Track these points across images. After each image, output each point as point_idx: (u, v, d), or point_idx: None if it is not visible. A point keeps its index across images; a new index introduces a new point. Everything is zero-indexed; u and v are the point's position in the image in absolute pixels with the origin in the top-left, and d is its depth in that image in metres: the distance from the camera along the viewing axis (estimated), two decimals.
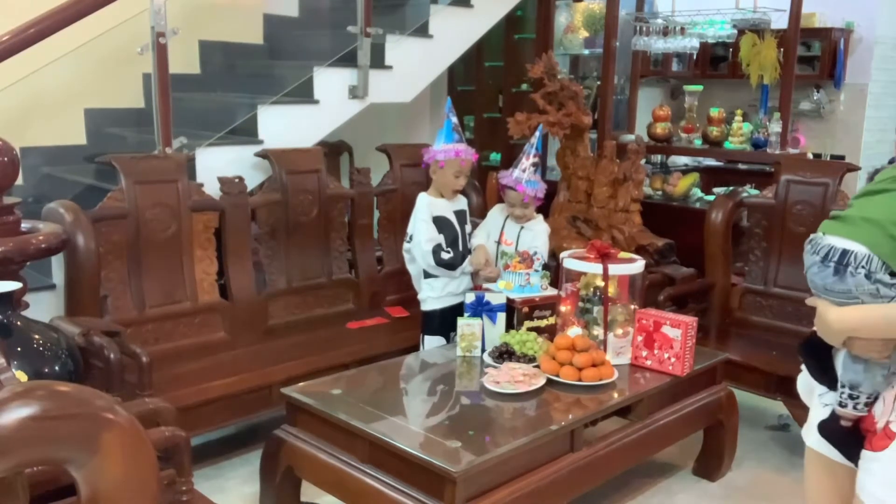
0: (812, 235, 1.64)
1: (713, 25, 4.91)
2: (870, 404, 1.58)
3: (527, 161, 3.26)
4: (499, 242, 3.33)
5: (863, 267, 1.51)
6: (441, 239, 3.18)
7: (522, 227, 3.30)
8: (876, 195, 1.59)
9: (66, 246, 2.62)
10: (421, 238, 3.15)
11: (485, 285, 3.17)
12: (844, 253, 1.53)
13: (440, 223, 3.21)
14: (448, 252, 3.17)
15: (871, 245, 1.52)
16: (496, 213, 3.42)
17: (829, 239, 1.58)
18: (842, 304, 1.56)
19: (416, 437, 2.24)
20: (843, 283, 1.54)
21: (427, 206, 3.21)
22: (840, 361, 1.60)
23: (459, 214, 3.30)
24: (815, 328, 1.61)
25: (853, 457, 1.60)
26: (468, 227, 3.35)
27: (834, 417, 1.64)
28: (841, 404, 1.61)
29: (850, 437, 1.62)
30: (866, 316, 1.53)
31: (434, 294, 3.22)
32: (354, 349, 3.28)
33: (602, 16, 5.07)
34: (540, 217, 3.40)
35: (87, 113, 3.74)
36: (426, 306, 3.25)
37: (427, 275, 3.23)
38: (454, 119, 3.26)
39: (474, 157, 3.29)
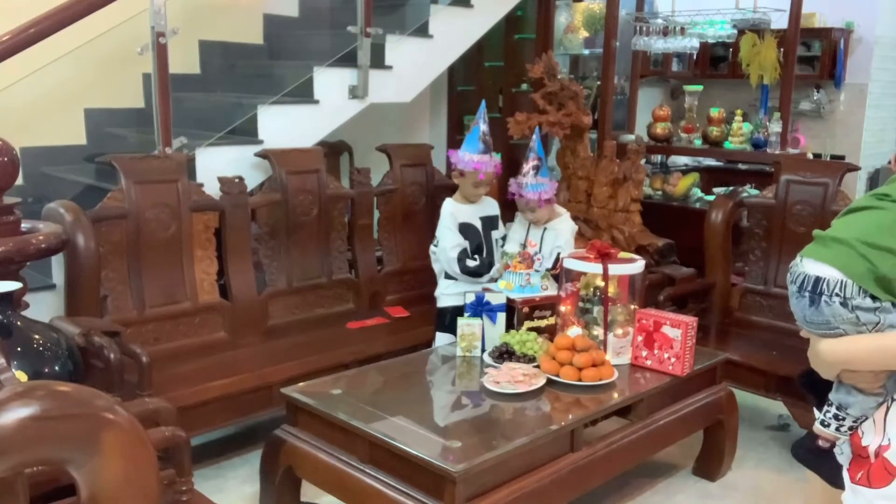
0: (796, 258, 1.53)
1: (713, 25, 4.91)
2: (853, 429, 1.49)
3: (527, 165, 3.26)
4: (524, 245, 3.33)
5: (837, 295, 1.39)
6: (466, 244, 3.21)
7: (546, 228, 3.31)
8: (855, 213, 1.49)
9: (66, 246, 2.62)
10: (446, 244, 3.20)
11: (485, 285, 3.18)
12: (817, 280, 1.42)
13: (464, 229, 3.25)
14: (474, 259, 3.20)
15: (843, 267, 1.40)
16: (520, 218, 3.43)
17: (805, 265, 1.47)
18: (826, 336, 1.45)
19: (416, 437, 2.24)
20: (820, 313, 1.42)
21: (451, 214, 3.24)
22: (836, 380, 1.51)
23: (487, 221, 3.31)
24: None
25: (831, 478, 1.51)
26: (497, 233, 3.35)
27: (811, 436, 1.55)
28: (823, 423, 1.51)
29: (823, 458, 1.52)
30: (859, 348, 1.41)
31: (447, 291, 3.25)
32: (354, 349, 3.28)
33: (602, 16, 5.07)
34: (565, 215, 3.39)
35: (87, 113, 3.73)
36: (440, 303, 3.30)
37: (447, 275, 3.26)
38: (483, 126, 3.22)
39: (497, 169, 3.27)
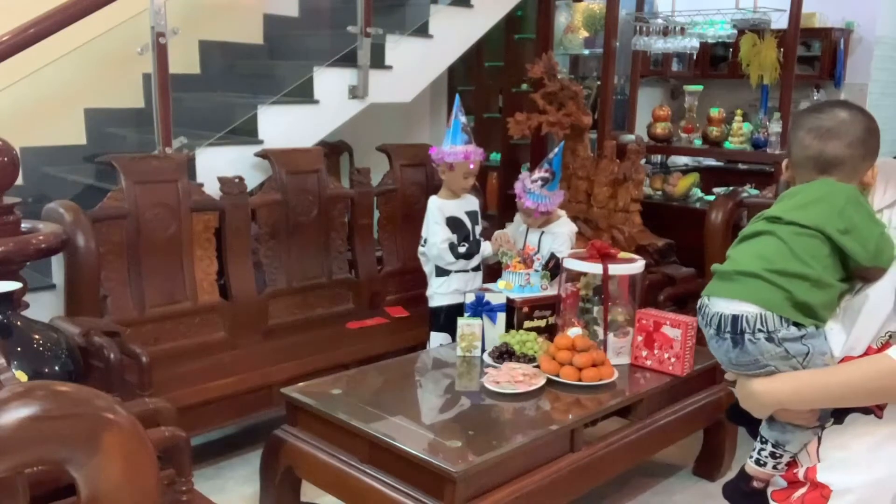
0: (700, 300, 1.46)
1: (713, 25, 4.90)
2: (791, 463, 1.42)
3: (538, 173, 3.27)
4: (523, 247, 3.34)
5: (760, 330, 1.31)
6: (454, 238, 3.22)
7: (543, 232, 3.31)
8: (749, 240, 1.44)
9: (66, 246, 2.62)
10: (436, 239, 3.20)
11: (485, 285, 3.18)
12: (735, 319, 1.34)
13: (453, 223, 3.25)
14: (464, 245, 3.22)
15: (760, 301, 1.33)
16: (518, 220, 3.44)
17: (715, 304, 1.40)
18: (757, 375, 1.37)
19: (415, 436, 2.24)
20: (746, 353, 1.34)
21: (439, 210, 3.24)
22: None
23: (471, 215, 3.32)
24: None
25: None
26: (480, 227, 3.37)
27: (744, 477, 1.47)
28: (759, 462, 1.44)
29: (755, 499, 1.44)
30: (800, 388, 1.32)
31: (440, 290, 3.24)
32: (354, 349, 3.28)
33: (602, 16, 5.07)
34: (563, 219, 3.39)
35: (87, 113, 3.74)
36: (433, 302, 3.29)
37: (439, 272, 3.25)
38: (463, 119, 3.26)
39: (482, 157, 3.31)
